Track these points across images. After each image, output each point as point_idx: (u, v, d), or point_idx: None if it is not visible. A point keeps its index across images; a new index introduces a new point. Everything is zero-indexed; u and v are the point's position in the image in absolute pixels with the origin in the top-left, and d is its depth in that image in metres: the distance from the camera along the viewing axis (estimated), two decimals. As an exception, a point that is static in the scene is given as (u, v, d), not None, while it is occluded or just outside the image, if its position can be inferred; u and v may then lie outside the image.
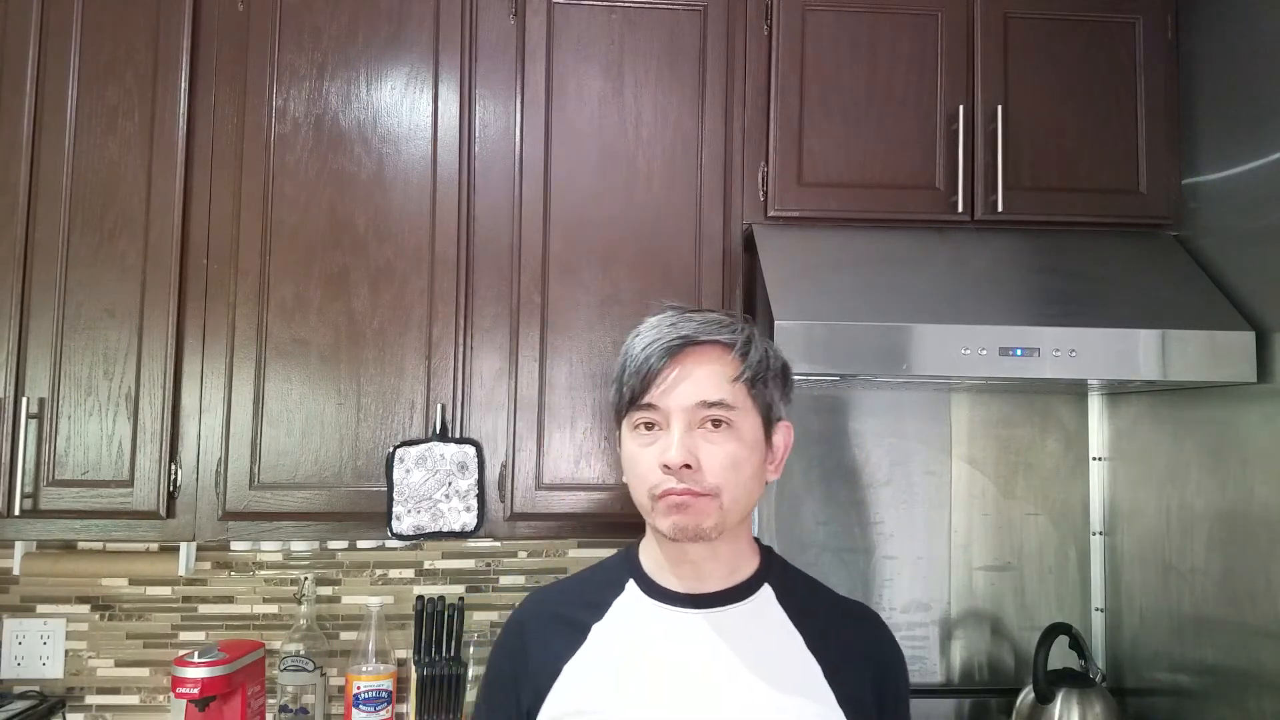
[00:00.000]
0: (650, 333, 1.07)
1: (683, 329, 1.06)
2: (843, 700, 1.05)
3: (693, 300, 1.68)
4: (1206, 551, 1.62)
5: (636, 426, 1.07)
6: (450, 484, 1.61)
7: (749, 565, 1.13)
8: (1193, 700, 1.66)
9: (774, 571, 1.14)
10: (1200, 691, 1.64)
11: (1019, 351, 1.50)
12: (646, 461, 1.04)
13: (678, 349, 1.04)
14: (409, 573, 1.94)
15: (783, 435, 1.12)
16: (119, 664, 1.88)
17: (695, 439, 1.03)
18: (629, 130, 1.71)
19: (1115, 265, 1.68)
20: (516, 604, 1.20)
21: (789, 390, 1.13)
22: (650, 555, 1.14)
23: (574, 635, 1.10)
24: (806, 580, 1.19)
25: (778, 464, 1.11)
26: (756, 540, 1.17)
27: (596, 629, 1.10)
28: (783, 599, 1.11)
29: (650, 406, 1.04)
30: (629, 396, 1.06)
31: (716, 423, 1.04)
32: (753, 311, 1.71)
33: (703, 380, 1.04)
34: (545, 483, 1.65)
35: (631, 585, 1.13)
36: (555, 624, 1.12)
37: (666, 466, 1.02)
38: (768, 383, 1.09)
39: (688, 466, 1.01)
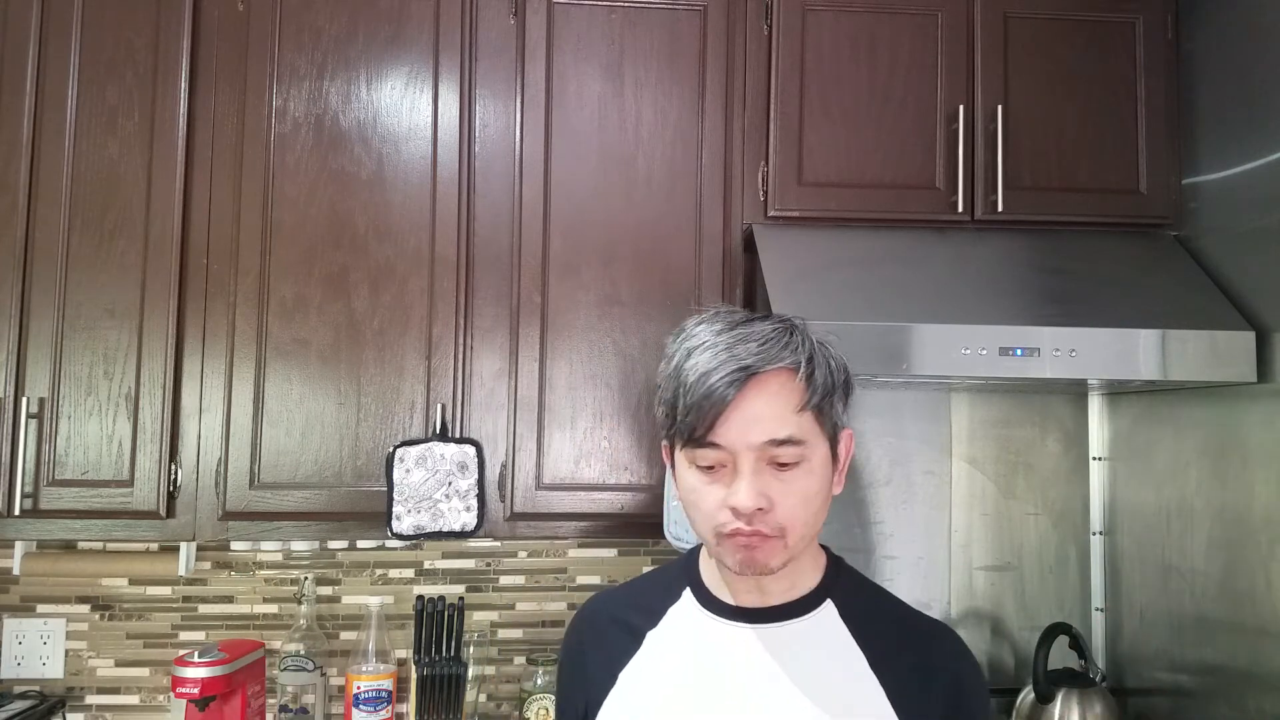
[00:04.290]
0: (705, 355, 0.96)
1: (741, 356, 0.94)
2: None
3: (692, 301, 1.68)
4: (1206, 551, 1.62)
5: (697, 463, 0.97)
6: (450, 484, 1.61)
7: (811, 578, 1.05)
8: (1193, 700, 1.66)
9: (840, 585, 1.06)
10: (1200, 691, 1.64)
11: (1019, 351, 1.50)
12: (712, 500, 0.96)
13: (740, 382, 0.93)
14: (409, 573, 1.94)
15: (845, 444, 1.02)
16: (119, 664, 1.88)
17: (765, 478, 0.94)
18: (629, 130, 1.71)
19: (1115, 265, 1.68)
20: (582, 601, 1.17)
21: (851, 394, 1.03)
22: (710, 565, 1.08)
23: (630, 642, 1.07)
24: (876, 593, 1.10)
25: (841, 474, 1.02)
26: (825, 549, 1.10)
27: (651, 636, 1.06)
28: (846, 615, 1.04)
29: (714, 445, 0.94)
30: (687, 434, 0.96)
31: (785, 462, 0.95)
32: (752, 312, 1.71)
33: (768, 417, 0.94)
34: (545, 483, 1.65)
35: (688, 594, 1.08)
36: (613, 628, 1.09)
37: (736, 510, 0.94)
38: (834, 401, 0.99)
39: (760, 509, 0.94)
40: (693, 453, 0.97)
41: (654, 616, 1.08)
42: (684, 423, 0.95)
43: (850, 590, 1.07)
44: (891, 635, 1.04)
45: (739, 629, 1.03)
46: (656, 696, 1.02)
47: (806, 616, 1.03)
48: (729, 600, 1.05)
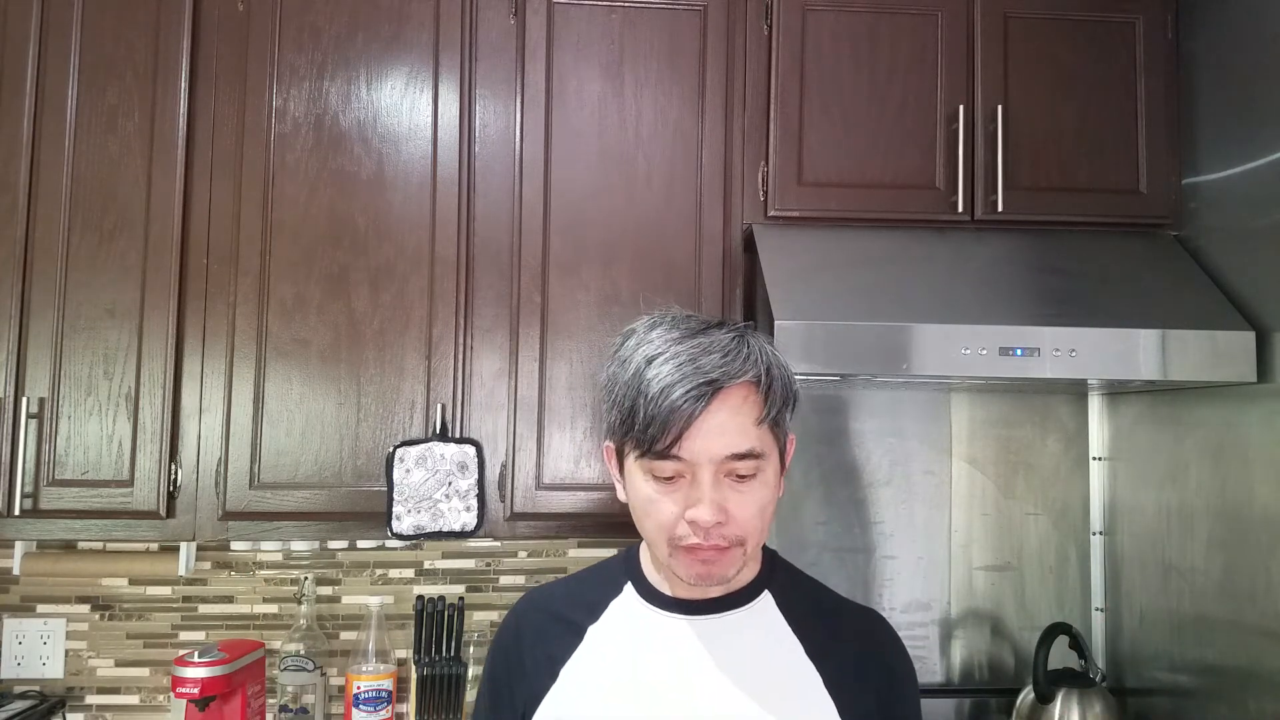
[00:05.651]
0: (667, 366, 0.95)
1: (706, 369, 0.94)
2: (844, 711, 1.00)
3: (693, 301, 1.68)
4: (1206, 551, 1.62)
5: (655, 474, 0.97)
6: (450, 484, 1.61)
7: (750, 571, 1.08)
8: (1193, 700, 1.66)
9: (776, 577, 1.09)
10: (1200, 691, 1.64)
11: (1019, 351, 1.50)
12: (669, 512, 0.96)
13: (707, 396, 0.93)
14: (409, 573, 1.94)
15: (789, 449, 1.05)
16: (119, 664, 1.88)
17: (724, 490, 0.96)
18: (629, 130, 1.71)
19: (1115, 265, 1.68)
20: (514, 602, 1.18)
21: (798, 402, 1.04)
22: (651, 558, 1.10)
23: (570, 637, 1.08)
24: (811, 585, 1.13)
25: (781, 479, 1.04)
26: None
27: (592, 631, 1.07)
28: (783, 605, 1.07)
29: (676, 458, 0.94)
30: (646, 445, 0.95)
31: (743, 474, 0.96)
32: (753, 311, 1.71)
33: (731, 430, 0.94)
34: (545, 482, 1.65)
35: (629, 588, 1.09)
36: (552, 624, 1.10)
37: (695, 523, 0.95)
38: (787, 413, 1.00)
39: (718, 523, 0.95)
40: (650, 464, 0.97)
41: (595, 611, 1.09)
42: (644, 434, 0.95)
43: (787, 582, 1.10)
44: (827, 625, 1.07)
45: (679, 620, 1.05)
46: (598, 690, 1.04)
47: (745, 607, 1.06)
48: (669, 592, 1.07)
